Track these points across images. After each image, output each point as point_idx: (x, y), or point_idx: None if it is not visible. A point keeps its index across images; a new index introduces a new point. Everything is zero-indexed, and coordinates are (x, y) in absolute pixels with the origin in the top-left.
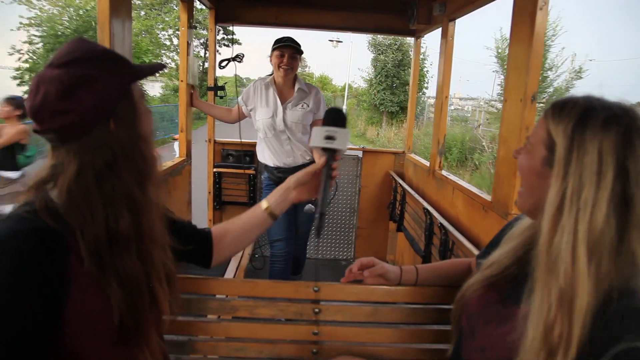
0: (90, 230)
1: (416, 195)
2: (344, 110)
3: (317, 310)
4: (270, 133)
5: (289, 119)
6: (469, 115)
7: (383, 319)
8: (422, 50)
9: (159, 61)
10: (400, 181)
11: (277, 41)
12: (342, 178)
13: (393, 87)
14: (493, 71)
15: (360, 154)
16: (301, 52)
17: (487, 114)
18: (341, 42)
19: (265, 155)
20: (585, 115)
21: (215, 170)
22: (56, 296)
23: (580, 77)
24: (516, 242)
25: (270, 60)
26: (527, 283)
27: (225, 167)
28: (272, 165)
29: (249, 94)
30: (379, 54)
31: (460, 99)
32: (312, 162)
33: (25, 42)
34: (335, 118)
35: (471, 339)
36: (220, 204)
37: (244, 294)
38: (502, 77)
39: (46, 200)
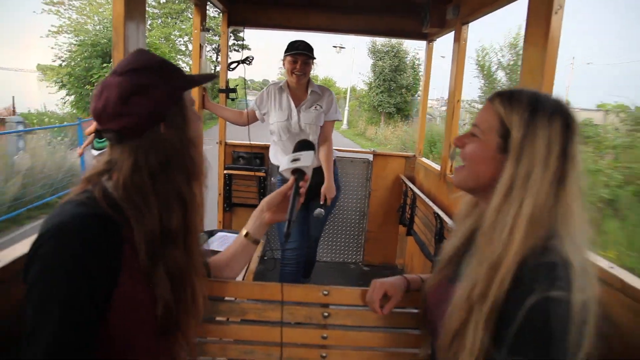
0: (146, 224)
1: (427, 200)
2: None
3: (326, 314)
4: (285, 136)
5: (303, 121)
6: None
7: (392, 323)
8: (420, 54)
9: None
10: (411, 185)
11: (290, 46)
12: (352, 181)
13: (390, 90)
14: (474, 77)
15: (370, 157)
16: (314, 58)
17: (470, 114)
18: (344, 47)
19: (280, 158)
20: (535, 106)
21: (225, 172)
22: (109, 281)
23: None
24: (459, 233)
25: (283, 65)
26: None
27: (235, 169)
28: None
29: (262, 98)
30: (378, 60)
31: (463, 101)
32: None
33: (67, 50)
34: (302, 144)
35: (438, 330)
36: (230, 206)
37: (252, 296)
38: (483, 81)
39: (104, 190)
